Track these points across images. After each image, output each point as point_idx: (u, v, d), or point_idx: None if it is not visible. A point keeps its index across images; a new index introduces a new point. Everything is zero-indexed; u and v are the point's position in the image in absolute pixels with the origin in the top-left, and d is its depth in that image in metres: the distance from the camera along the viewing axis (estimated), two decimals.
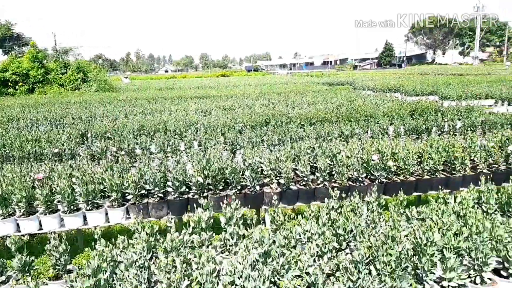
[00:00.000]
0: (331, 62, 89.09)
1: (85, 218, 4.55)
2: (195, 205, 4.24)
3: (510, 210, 3.70)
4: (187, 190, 4.65)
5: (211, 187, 4.63)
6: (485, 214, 3.59)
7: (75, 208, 4.53)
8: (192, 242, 3.09)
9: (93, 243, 3.04)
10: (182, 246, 2.96)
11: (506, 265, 2.91)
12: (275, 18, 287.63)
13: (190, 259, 2.88)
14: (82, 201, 4.49)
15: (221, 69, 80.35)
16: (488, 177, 4.60)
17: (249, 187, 4.77)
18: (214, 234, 3.33)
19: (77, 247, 4.70)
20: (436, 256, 2.82)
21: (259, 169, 4.96)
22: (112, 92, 21.76)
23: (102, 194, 4.60)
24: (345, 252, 3.11)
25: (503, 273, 2.95)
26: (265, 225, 4.87)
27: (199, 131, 7.62)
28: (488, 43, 73.51)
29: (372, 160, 5.16)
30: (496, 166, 5.70)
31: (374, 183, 5.12)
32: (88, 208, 4.51)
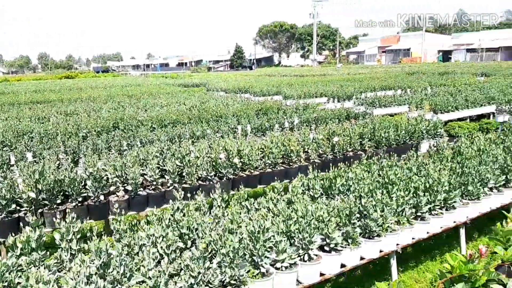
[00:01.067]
0: (186, 63, 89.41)
1: None
2: (21, 224, 3.79)
3: (332, 192, 4.29)
4: (17, 208, 4.14)
5: (46, 202, 4.21)
6: (312, 198, 4.09)
7: None
8: (21, 265, 2.78)
9: None
10: (7, 271, 2.63)
11: (328, 241, 3.38)
12: (126, 17, 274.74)
13: (18, 283, 2.59)
14: None
15: (65, 70, 72.95)
16: (314, 165, 5.26)
17: (92, 198, 4.50)
18: (48, 252, 3.05)
19: None
20: (271, 241, 3.12)
21: (105, 177, 4.72)
22: None
23: None
24: (190, 250, 3.18)
25: (326, 248, 3.42)
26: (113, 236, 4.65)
27: (34, 141, 6.82)
28: (323, 47, 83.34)
29: (220, 158, 5.39)
30: (325, 155, 6.54)
31: (223, 180, 5.37)
32: None
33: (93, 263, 2.67)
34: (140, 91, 17.37)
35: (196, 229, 3.30)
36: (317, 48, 77.47)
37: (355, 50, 79.30)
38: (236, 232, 3.08)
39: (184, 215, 3.41)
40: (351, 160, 6.16)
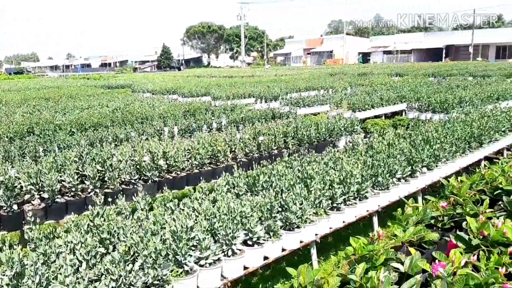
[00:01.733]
0: (110, 64, 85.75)
1: None
2: None
3: (256, 189, 4.45)
4: None
5: None
6: (236, 196, 4.21)
7: None
8: None
9: None
10: None
11: (251, 235, 3.52)
12: (43, 15, 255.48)
13: None
14: None
15: None
16: (240, 164, 5.40)
17: (4, 208, 4.21)
18: None
19: None
20: (196, 239, 3.17)
21: (18, 186, 4.44)
22: None
23: None
24: (111, 254, 3.13)
25: (250, 242, 3.55)
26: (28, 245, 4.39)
27: None
28: (252, 49, 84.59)
29: (144, 161, 5.31)
30: (252, 154, 6.73)
31: (148, 183, 5.30)
32: None
33: (5, 275, 2.54)
34: (59, 94, 16.37)
35: (118, 234, 3.26)
36: (246, 49, 78.45)
37: (282, 52, 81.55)
38: (159, 233, 3.10)
39: (104, 220, 3.34)
40: (276, 157, 6.39)
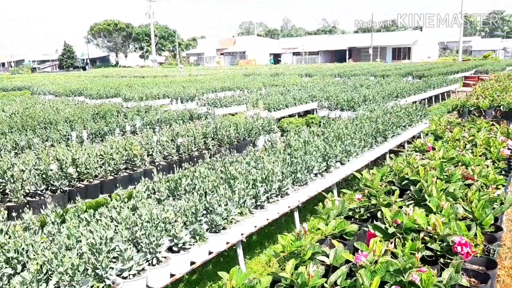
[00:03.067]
0: (4, 64, 77.56)
1: None
2: None
3: (178, 193, 4.32)
4: None
5: None
6: (158, 201, 4.04)
7: None
8: None
9: None
10: None
11: (176, 241, 3.40)
12: None
13: None
14: None
15: None
16: (159, 168, 5.22)
17: None
18: None
19: None
20: (117, 250, 2.97)
21: None
22: None
23: None
24: (21, 275, 2.80)
25: (175, 248, 3.43)
26: None
27: None
28: (163, 48, 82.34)
29: (50, 170, 4.86)
30: (171, 157, 6.53)
31: (57, 194, 4.87)
32: None
33: None
34: None
35: (27, 251, 2.93)
36: (157, 49, 76.16)
37: (195, 52, 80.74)
38: (75, 247, 2.84)
39: (10, 237, 2.98)
40: (197, 159, 6.29)
